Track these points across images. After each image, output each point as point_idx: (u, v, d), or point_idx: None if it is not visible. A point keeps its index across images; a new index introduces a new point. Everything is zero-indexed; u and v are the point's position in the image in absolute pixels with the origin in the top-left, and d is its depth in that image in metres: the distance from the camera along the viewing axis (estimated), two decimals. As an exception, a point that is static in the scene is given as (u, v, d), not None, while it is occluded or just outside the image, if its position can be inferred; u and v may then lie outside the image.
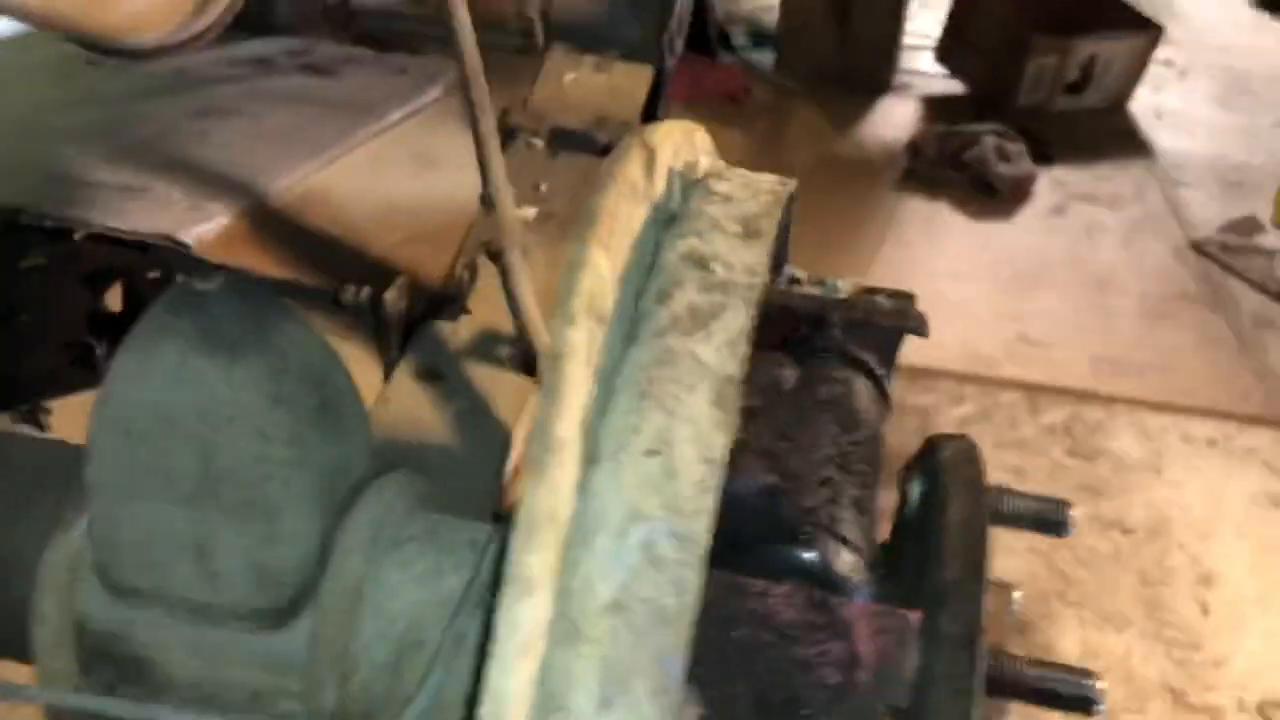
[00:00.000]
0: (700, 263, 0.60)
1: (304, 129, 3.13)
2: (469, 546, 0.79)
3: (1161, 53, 4.12)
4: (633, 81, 1.64)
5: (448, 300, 1.36)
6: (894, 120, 3.86)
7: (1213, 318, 2.84)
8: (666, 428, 0.53)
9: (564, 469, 0.51)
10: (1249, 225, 3.21)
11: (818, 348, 0.70)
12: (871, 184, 3.35)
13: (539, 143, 1.57)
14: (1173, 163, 3.72)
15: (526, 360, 1.25)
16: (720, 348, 0.56)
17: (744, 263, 0.60)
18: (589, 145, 1.55)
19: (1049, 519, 0.76)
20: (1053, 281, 2.93)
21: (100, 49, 1.77)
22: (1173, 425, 2.42)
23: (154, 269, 2.32)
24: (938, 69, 4.18)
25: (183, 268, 2.37)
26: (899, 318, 0.72)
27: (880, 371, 0.70)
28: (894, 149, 3.55)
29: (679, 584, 0.50)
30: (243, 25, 1.90)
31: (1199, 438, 2.39)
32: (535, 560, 0.49)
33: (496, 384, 1.29)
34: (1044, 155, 3.55)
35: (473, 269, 1.35)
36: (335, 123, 3.18)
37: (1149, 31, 3.98)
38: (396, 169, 3.05)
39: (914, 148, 3.44)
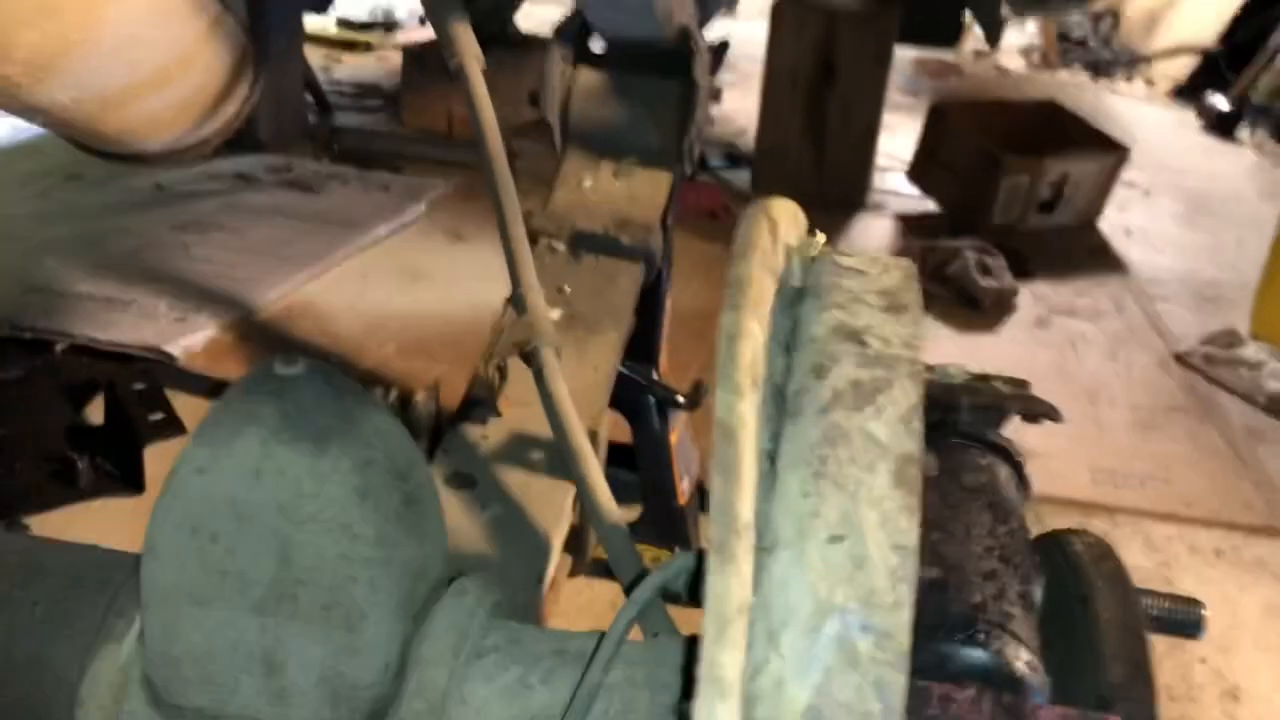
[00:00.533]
0: (853, 336, 0.56)
1: (288, 243, 3.11)
2: (556, 657, 0.72)
3: (1124, 174, 4.21)
4: (652, 187, 1.62)
5: (476, 403, 1.31)
6: (871, 237, 3.90)
7: (1205, 429, 2.84)
8: (850, 511, 0.48)
9: (749, 555, 0.46)
10: (1229, 338, 3.24)
11: (951, 433, 0.65)
12: (856, 298, 3.34)
13: (560, 246, 1.53)
14: (1147, 278, 3.77)
15: (563, 462, 1.20)
16: (893, 424, 0.51)
17: (899, 336, 0.56)
18: (611, 248, 1.52)
19: (1182, 620, 0.71)
20: (1043, 393, 2.91)
21: (109, 153, 1.71)
22: (1178, 536, 2.38)
23: (137, 381, 2.25)
24: (910, 188, 4.25)
25: (168, 380, 2.30)
26: (1029, 404, 0.68)
27: (1019, 458, 0.65)
28: (875, 264, 3.57)
29: (882, 686, 0.44)
30: (224, 141, 1.86)
31: (1206, 548, 2.36)
32: (731, 659, 0.43)
33: (531, 488, 1.23)
34: (1023, 270, 3.58)
35: (503, 370, 1.30)
36: (320, 237, 3.15)
37: (1116, 152, 4.08)
38: (383, 282, 3.02)
39: (897, 262, 3.45)
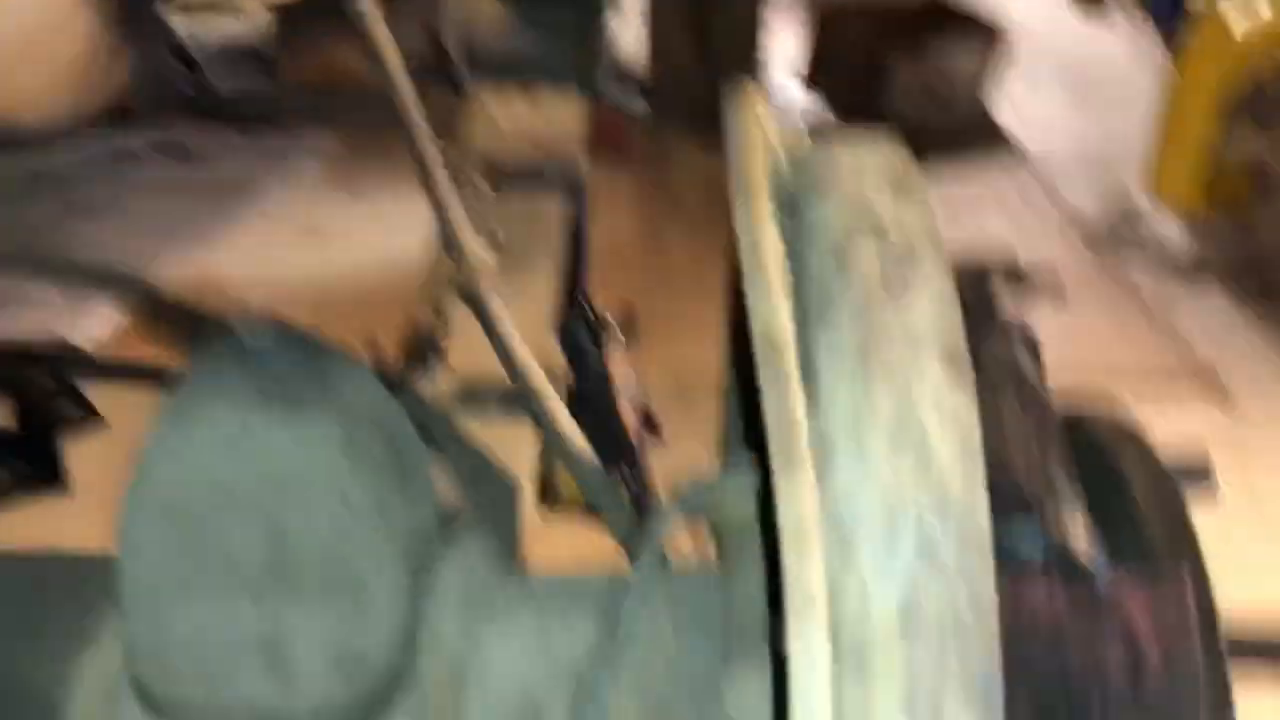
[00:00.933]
0: (869, 226, 0.52)
1: (182, 216, 2.98)
2: (573, 602, 0.69)
3: (1008, 59, 4.24)
4: (566, 113, 1.57)
5: (420, 354, 1.25)
6: (772, 146, 3.87)
7: (1120, 299, 2.90)
8: (906, 409, 0.45)
9: (810, 464, 0.43)
10: (1129, 208, 3.30)
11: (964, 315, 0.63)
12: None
13: (481, 182, 1.48)
14: (1043, 159, 3.82)
15: (518, 402, 1.16)
16: (932, 315, 0.48)
17: (916, 220, 0.53)
18: (534, 180, 1.47)
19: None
20: (960, 283, 2.95)
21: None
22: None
23: (46, 377, 2.14)
24: (803, 96, 4.23)
25: (78, 372, 2.19)
26: (1030, 280, 0.66)
27: (1034, 335, 0.63)
28: (780, 173, 3.55)
29: (972, 588, 0.42)
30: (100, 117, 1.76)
31: (1147, 420, 2.41)
32: (818, 576, 0.40)
33: (491, 435, 1.19)
34: (923, 164, 3.59)
35: (444, 317, 1.25)
36: (210, 206, 3.03)
37: (997, 37, 4.10)
38: (285, 246, 2.92)
39: (803, 169, 3.44)
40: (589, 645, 0.66)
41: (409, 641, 0.64)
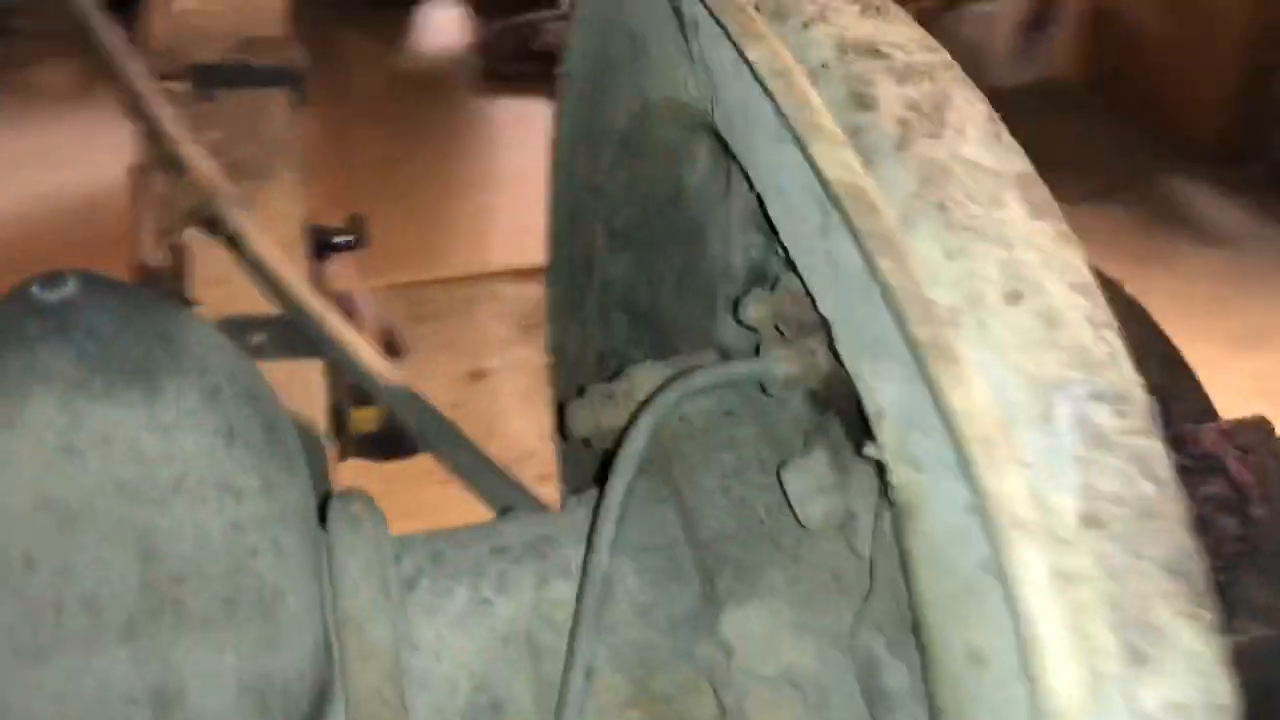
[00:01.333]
0: (866, 51, 0.43)
1: None
2: (498, 558, 0.57)
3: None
4: (261, -3, 1.35)
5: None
6: (441, 26, 3.68)
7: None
8: (1010, 261, 0.37)
9: (969, 348, 0.34)
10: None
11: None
12: (448, 92, 3.17)
13: (180, 86, 1.25)
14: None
15: (293, 335, 1.00)
16: (985, 141, 0.40)
17: (910, 39, 0.44)
18: (245, 76, 1.26)
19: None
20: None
21: None
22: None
23: None
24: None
25: None
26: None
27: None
28: (457, 54, 3.38)
29: (1145, 459, 0.35)
30: None
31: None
32: (1019, 488, 0.31)
33: (269, 377, 1.02)
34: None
35: (181, 249, 1.06)
36: None
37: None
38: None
39: (485, 48, 3.27)
40: (531, 605, 0.56)
41: (329, 649, 0.51)
